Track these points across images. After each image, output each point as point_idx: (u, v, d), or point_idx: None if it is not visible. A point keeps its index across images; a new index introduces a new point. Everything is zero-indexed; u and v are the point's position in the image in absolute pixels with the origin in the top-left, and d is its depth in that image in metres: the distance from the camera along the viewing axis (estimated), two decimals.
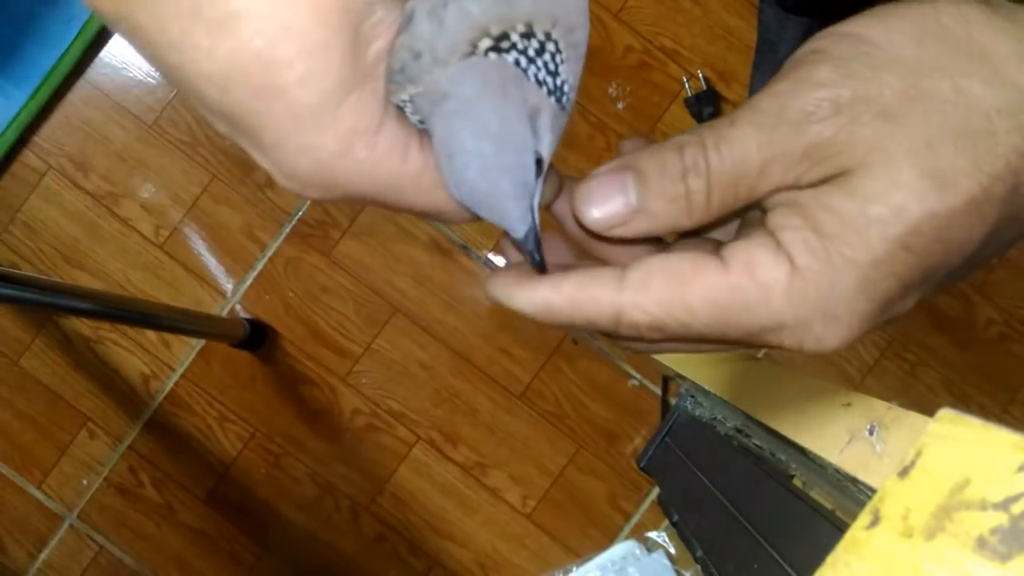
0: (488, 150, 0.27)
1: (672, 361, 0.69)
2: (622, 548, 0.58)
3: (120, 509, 1.28)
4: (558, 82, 0.28)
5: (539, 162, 0.28)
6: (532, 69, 0.27)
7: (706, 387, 0.58)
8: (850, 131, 0.24)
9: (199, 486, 1.28)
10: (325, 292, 1.23)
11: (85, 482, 1.28)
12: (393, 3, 0.25)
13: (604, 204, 0.27)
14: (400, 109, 0.27)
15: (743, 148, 0.25)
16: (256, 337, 1.24)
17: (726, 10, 1.24)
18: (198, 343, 1.28)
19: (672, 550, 0.58)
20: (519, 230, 0.28)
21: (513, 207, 0.28)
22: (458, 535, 1.26)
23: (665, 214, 0.27)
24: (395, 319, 1.25)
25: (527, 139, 0.27)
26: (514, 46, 0.27)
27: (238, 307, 1.27)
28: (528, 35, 0.27)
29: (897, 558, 0.19)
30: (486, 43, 0.26)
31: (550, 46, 0.27)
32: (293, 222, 1.23)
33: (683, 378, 0.65)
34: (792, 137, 0.25)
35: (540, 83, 0.27)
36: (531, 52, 0.27)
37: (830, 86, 0.24)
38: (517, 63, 0.27)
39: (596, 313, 0.27)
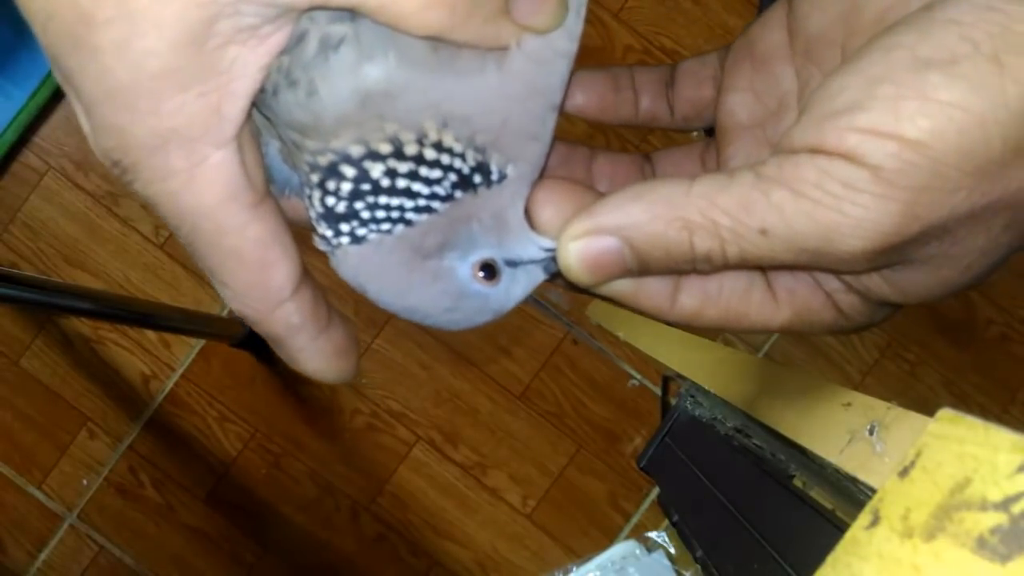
0: (417, 313, 0.26)
1: (672, 361, 0.69)
2: (622, 548, 0.58)
3: (120, 509, 1.28)
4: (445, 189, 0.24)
5: (488, 266, 0.26)
6: (419, 187, 0.24)
7: (706, 387, 0.58)
8: None
9: (199, 486, 1.28)
10: (325, 292, 1.22)
11: (85, 482, 1.28)
12: (279, 19, 0.21)
13: (599, 274, 0.24)
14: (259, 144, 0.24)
15: (769, 254, 0.23)
16: (256, 337, 1.24)
17: (726, 10, 1.24)
18: (198, 343, 1.28)
19: (672, 550, 0.58)
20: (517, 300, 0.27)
21: (485, 319, 0.27)
22: (458, 535, 1.26)
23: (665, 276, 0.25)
24: (395, 319, 1.25)
25: (447, 293, 0.26)
26: (397, 156, 0.23)
27: None
28: (421, 142, 0.23)
29: (897, 558, 0.19)
30: (358, 150, 0.23)
31: (444, 158, 0.24)
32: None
33: (683, 378, 0.65)
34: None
35: (425, 203, 0.24)
36: (422, 171, 0.24)
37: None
38: (398, 185, 0.24)
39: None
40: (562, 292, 1.22)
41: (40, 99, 1.23)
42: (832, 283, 0.26)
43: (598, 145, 0.31)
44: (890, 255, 0.22)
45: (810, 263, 0.23)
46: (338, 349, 0.26)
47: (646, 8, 1.25)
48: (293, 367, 0.26)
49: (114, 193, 1.28)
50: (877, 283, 0.24)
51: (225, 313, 1.28)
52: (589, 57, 0.28)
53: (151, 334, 1.27)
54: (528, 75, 0.24)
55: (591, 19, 1.22)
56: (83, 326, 1.29)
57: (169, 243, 1.28)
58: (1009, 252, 0.23)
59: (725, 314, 0.26)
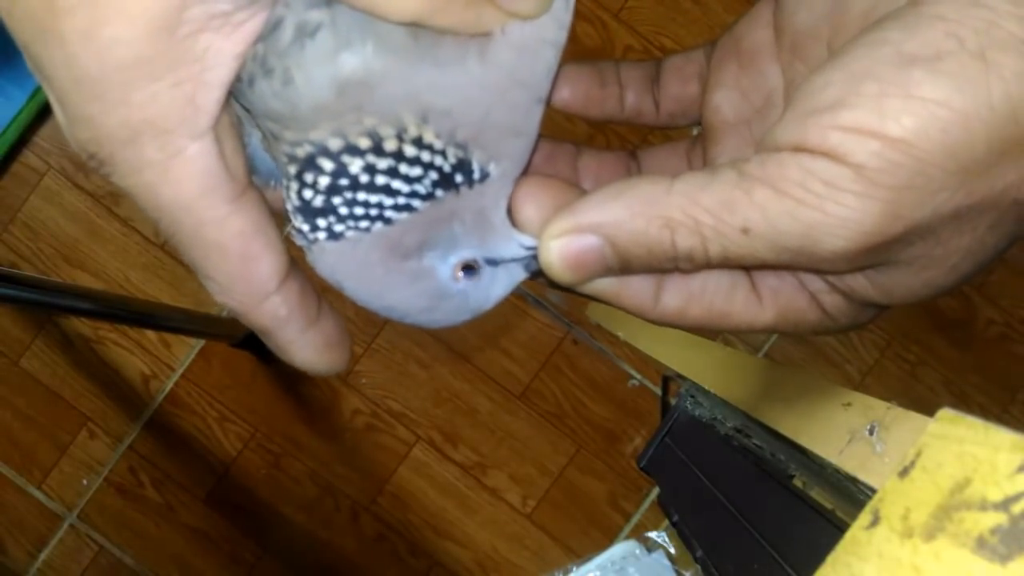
0: (395, 312, 0.26)
1: (672, 361, 0.69)
2: (622, 548, 0.58)
3: (120, 509, 1.28)
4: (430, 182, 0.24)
5: (468, 266, 0.25)
6: (399, 185, 0.23)
7: (706, 387, 0.58)
8: None
9: (199, 486, 1.28)
10: (325, 292, 1.22)
11: (85, 482, 1.28)
12: (253, 5, 0.21)
13: (580, 272, 0.24)
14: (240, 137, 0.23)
15: (751, 253, 0.22)
16: (256, 337, 1.23)
17: (726, 10, 1.24)
18: (198, 343, 1.28)
19: (672, 550, 0.58)
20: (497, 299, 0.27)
21: (464, 318, 0.26)
22: (458, 535, 1.26)
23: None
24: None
25: (425, 292, 0.25)
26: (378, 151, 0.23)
27: None
28: (400, 136, 0.23)
29: (897, 558, 0.19)
30: (336, 143, 0.22)
31: (424, 155, 0.23)
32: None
33: (683, 378, 0.65)
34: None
35: (407, 200, 0.24)
36: (402, 167, 0.23)
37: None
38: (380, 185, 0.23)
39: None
40: (562, 292, 1.22)
41: (40, 99, 1.23)
42: (816, 283, 0.25)
43: (598, 145, 0.31)
44: (873, 255, 0.22)
45: (792, 262, 0.22)
46: (328, 341, 0.26)
47: (646, 8, 1.25)
48: (284, 359, 0.25)
49: (114, 193, 1.28)
50: (861, 284, 0.24)
51: (225, 313, 1.28)
52: (589, 57, 0.28)
53: (151, 334, 1.27)
54: (512, 65, 0.23)
55: (591, 19, 1.22)
56: (83, 326, 1.29)
57: (169, 243, 1.28)
58: (995, 253, 0.23)
59: (708, 313, 0.26)
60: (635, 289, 0.25)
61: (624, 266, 0.24)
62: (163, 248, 1.28)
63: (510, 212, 0.26)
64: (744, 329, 0.26)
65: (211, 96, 0.21)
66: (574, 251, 0.24)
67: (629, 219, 0.23)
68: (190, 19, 0.20)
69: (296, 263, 0.25)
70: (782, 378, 0.48)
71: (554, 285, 0.26)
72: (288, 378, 1.28)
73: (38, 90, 1.22)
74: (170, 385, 1.28)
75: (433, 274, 0.25)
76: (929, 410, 0.22)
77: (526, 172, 0.26)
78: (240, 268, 0.23)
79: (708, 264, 0.23)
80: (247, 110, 0.23)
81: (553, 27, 0.23)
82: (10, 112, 1.22)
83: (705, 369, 0.60)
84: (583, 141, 0.31)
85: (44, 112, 1.25)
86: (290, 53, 0.21)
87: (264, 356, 1.27)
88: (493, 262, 0.26)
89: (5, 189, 1.28)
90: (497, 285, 0.27)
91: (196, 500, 1.28)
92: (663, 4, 1.25)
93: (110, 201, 1.28)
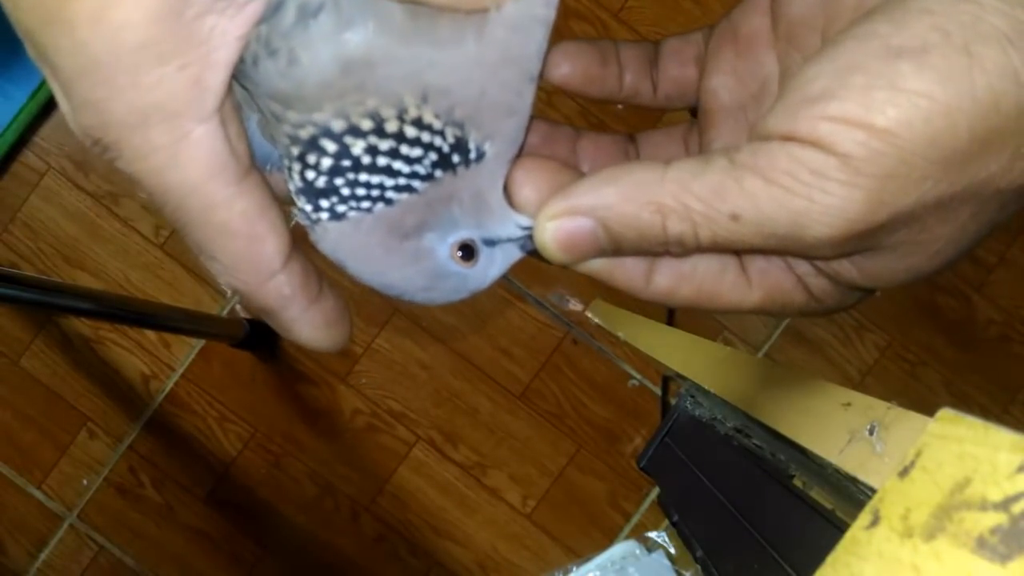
0: (394, 290, 0.26)
1: (672, 361, 0.69)
2: (622, 548, 0.58)
3: (120, 509, 1.28)
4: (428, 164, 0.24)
5: (466, 246, 0.26)
6: (400, 166, 0.24)
7: (706, 387, 0.58)
8: None
9: (199, 486, 1.28)
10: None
11: (85, 482, 1.28)
12: None
13: (574, 253, 0.25)
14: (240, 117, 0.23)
15: (740, 238, 0.23)
16: (256, 337, 1.24)
17: (725, 9, 1.24)
18: (198, 343, 1.28)
19: (672, 550, 0.59)
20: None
21: (462, 296, 0.27)
22: (458, 535, 1.26)
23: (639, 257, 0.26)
24: (395, 319, 1.25)
25: (424, 272, 0.26)
26: (380, 132, 0.23)
27: (238, 307, 1.27)
28: (401, 118, 0.23)
29: (897, 558, 0.19)
30: (339, 124, 0.23)
31: (424, 135, 0.24)
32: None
33: (683, 378, 0.65)
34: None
35: (408, 180, 0.24)
36: (403, 148, 0.24)
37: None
38: (382, 167, 0.24)
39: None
40: (562, 293, 1.22)
41: (40, 99, 1.23)
42: (803, 267, 0.26)
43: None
44: (858, 242, 0.23)
45: (779, 248, 0.23)
46: (329, 319, 0.26)
47: (646, 8, 1.25)
48: (287, 337, 0.26)
49: (114, 193, 1.28)
50: (846, 268, 0.25)
51: (225, 313, 1.28)
52: None
53: (151, 334, 1.27)
54: (506, 43, 0.24)
55: (591, 19, 1.22)
56: (83, 326, 1.29)
57: (169, 243, 1.28)
58: (977, 239, 0.24)
59: (698, 294, 0.27)
60: (627, 269, 0.26)
61: (616, 248, 0.25)
62: (163, 248, 1.28)
63: (507, 192, 0.26)
64: (732, 309, 0.27)
65: (217, 78, 0.21)
66: (568, 233, 0.25)
67: (622, 203, 0.24)
68: (195, 2, 0.20)
69: (298, 244, 0.25)
70: (782, 378, 0.48)
71: (549, 263, 0.26)
72: (288, 378, 1.28)
73: (38, 90, 1.22)
74: (170, 385, 1.28)
75: (432, 254, 0.26)
76: (929, 410, 0.22)
77: (522, 153, 0.27)
78: (246, 248, 0.23)
79: (698, 248, 0.24)
80: (248, 91, 0.24)
81: (543, 4, 0.24)
82: (10, 112, 1.22)
83: (705, 369, 0.60)
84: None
85: (44, 112, 1.25)
86: (294, 34, 0.22)
87: (264, 356, 1.27)
88: (490, 242, 0.27)
89: (5, 189, 1.28)
90: (494, 265, 0.27)
91: (196, 500, 1.28)
92: (663, 4, 1.25)
93: (110, 201, 1.28)
